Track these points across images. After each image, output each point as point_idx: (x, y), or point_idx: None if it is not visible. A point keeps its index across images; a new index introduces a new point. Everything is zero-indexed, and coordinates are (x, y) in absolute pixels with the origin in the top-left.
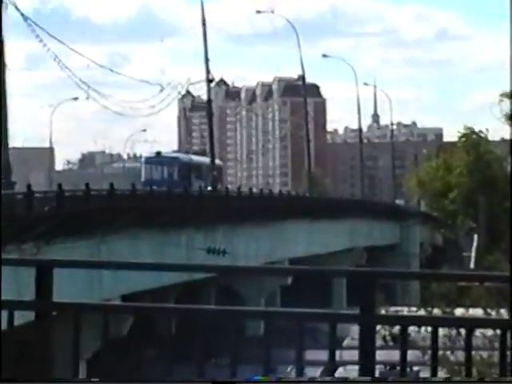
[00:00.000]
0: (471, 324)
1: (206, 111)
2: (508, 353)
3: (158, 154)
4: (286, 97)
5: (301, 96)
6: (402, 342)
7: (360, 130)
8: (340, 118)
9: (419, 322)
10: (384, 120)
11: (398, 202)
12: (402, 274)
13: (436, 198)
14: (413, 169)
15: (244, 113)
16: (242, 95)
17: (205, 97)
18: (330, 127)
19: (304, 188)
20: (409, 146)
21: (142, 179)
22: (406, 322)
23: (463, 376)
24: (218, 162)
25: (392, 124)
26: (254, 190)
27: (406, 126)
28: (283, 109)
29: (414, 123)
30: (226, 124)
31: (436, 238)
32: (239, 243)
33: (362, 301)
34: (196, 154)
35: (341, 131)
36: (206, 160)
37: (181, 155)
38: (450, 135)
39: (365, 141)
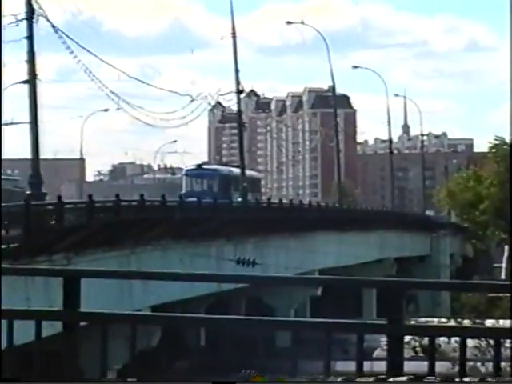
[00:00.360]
0: (500, 335)
1: (237, 122)
2: None
3: (199, 166)
4: (316, 108)
5: (331, 107)
6: (430, 352)
7: (390, 140)
8: (370, 130)
9: (447, 332)
10: (414, 131)
11: (428, 212)
12: (431, 284)
13: (466, 208)
14: (443, 180)
15: (274, 124)
16: (272, 106)
17: (235, 108)
18: (360, 138)
19: (334, 199)
20: (439, 156)
21: (183, 191)
22: (433, 332)
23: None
24: (256, 173)
25: (422, 135)
26: (284, 200)
27: (436, 136)
28: (313, 120)
29: (445, 134)
30: (256, 135)
31: (466, 249)
32: (269, 254)
33: (390, 311)
34: (236, 166)
35: (371, 142)
36: (247, 173)
37: (220, 167)
38: (481, 146)
39: (395, 152)
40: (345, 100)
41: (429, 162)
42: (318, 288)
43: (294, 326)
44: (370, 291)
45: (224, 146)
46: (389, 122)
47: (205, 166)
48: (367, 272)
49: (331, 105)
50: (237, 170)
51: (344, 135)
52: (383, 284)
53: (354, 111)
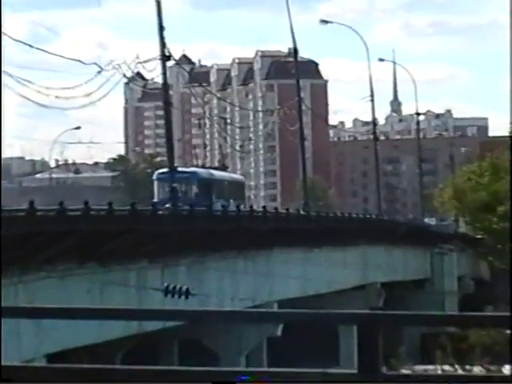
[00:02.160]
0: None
1: (163, 100)
2: None
3: (174, 169)
4: (272, 78)
5: (292, 77)
6: None
7: (374, 122)
8: (347, 107)
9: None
10: (407, 109)
11: (427, 220)
12: (419, 317)
13: (480, 213)
14: (448, 175)
15: (215, 101)
16: (212, 78)
17: (160, 80)
18: (333, 120)
19: (298, 203)
20: (442, 143)
21: (155, 199)
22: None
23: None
24: (239, 177)
25: (418, 114)
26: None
27: (437, 116)
28: (268, 95)
29: (449, 112)
30: (190, 117)
31: (480, 269)
32: (209, 281)
33: (363, 355)
34: (216, 168)
35: (348, 124)
36: (229, 176)
37: (199, 170)
38: (498, 128)
39: (381, 137)
40: (311, 67)
41: (428, 150)
42: (278, 326)
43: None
44: (350, 328)
45: (146, 132)
46: (372, 96)
47: (180, 169)
48: (344, 303)
49: (292, 74)
50: (219, 173)
51: (311, 116)
52: (356, 319)
53: (325, 82)
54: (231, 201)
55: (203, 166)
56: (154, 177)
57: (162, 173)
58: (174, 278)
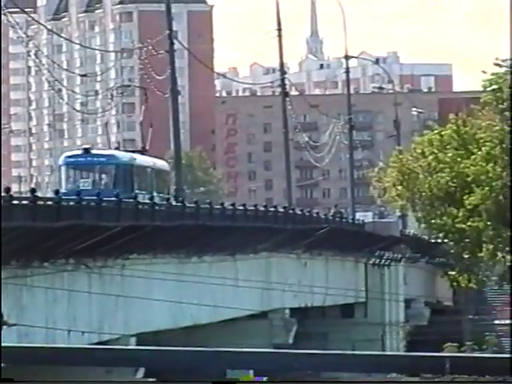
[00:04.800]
0: None
1: None
2: None
3: (86, 151)
4: (131, 2)
5: (160, 1)
6: None
7: (282, 70)
8: (242, 46)
9: None
10: (331, 50)
11: (361, 216)
12: (347, 359)
13: (439, 206)
14: (391, 148)
15: (44, 36)
16: (40, 2)
17: None
18: (221, 65)
19: (168, 189)
20: (383, 101)
21: (62, 189)
22: None
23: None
24: (164, 163)
25: (348, 57)
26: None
27: (377, 60)
28: (125, 27)
29: (394, 55)
30: (7, 59)
31: (438, 288)
32: None
33: None
34: (138, 151)
35: (244, 72)
36: (152, 161)
37: (118, 153)
38: (466, 80)
39: (293, 92)
40: None
41: (362, 112)
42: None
43: None
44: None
45: None
46: (279, 30)
47: (94, 151)
48: (237, 337)
49: None
50: (143, 158)
51: (189, 58)
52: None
53: (210, 9)
54: (155, 193)
55: (117, 148)
56: (61, 161)
57: (71, 156)
58: None
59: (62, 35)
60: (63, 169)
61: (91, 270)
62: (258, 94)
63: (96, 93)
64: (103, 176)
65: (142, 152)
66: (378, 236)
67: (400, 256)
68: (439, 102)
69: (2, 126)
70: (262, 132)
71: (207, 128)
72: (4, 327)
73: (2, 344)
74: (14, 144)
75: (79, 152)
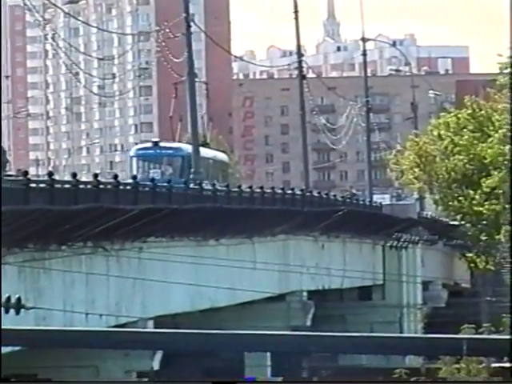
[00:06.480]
0: None
1: None
2: None
3: (155, 143)
4: None
5: None
6: None
7: (300, 52)
8: (260, 30)
9: None
10: (349, 32)
11: (378, 198)
12: (363, 341)
13: (457, 188)
14: (408, 131)
15: (61, 20)
16: None
17: None
18: (238, 48)
19: (225, 176)
20: (400, 84)
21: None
22: None
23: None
24: (223, 155)
25: (365, 40)
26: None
27: (394, 43)
28: (142, 10)
29: (412, 37)
30: (24, 43)
31: (456, 270)
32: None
33: None
34: (201, 145)
35: (261, 55)
36: (215, 154)
37: (184, 146)
38: (483, 61)
39: (310, 75)
40: None
41: (379, 95)
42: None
43: None
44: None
45: None
46: (296, 13)
47: (162, 144)
48: (254, 320)
49: None
50: (206, 151)
51: (206, 42)
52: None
53: None
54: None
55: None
56: (132, 153)
57: (141, 148)
58: None
59: (79, 18)
60: (134, 160)
61: (109, 253)
62: (275, 76)
63: (113, 76)
64: (170, 166)
65: (203, 145)
66: (395, 218)
67: (417, 238)
68: (456, 84)
69: (20, 110)
70: (279, 114)
71: (224, 111)
72: (22, 310)
73: (21, 327)
74: (32, 127)
75: (148, 145)
